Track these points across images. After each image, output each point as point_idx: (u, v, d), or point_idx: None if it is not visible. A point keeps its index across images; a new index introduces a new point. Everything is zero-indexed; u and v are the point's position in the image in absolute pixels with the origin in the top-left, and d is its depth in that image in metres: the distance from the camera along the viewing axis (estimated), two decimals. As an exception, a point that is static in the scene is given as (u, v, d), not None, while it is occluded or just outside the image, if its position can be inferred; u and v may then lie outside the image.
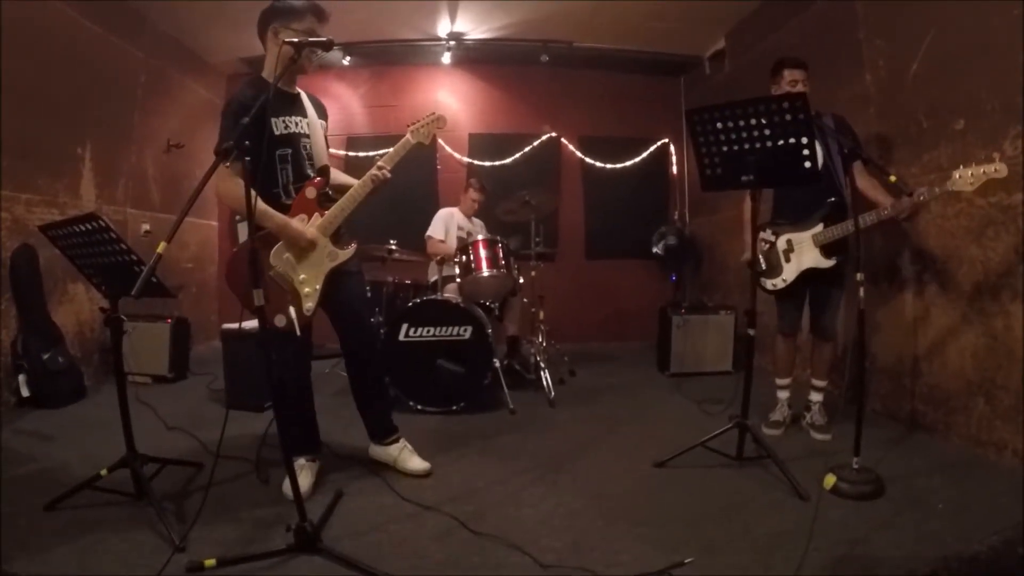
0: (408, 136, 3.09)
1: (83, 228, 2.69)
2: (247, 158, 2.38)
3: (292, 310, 2.83)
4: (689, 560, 2.30)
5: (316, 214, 2.93)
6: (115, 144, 5.62)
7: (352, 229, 3.12)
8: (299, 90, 3.06)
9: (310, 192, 2.93)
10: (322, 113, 3.16)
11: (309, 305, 2.90)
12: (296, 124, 2.96)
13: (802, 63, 3.65)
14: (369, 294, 3.74)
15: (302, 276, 2.90)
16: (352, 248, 3.00)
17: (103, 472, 2.79)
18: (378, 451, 3.36)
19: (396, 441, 3.35)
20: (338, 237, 2.99)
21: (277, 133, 2.87)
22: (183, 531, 2.47)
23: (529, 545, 2.44)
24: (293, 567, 2.28)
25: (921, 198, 3.20)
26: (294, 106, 3.00)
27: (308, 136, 3.01)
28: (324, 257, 2.94)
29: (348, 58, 7.22)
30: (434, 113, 3.14)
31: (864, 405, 3.05)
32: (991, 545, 1.83)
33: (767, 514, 2.75)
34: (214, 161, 2.29)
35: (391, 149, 3.07)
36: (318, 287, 2.91)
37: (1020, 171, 3.10)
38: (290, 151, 2.93)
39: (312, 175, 2.99)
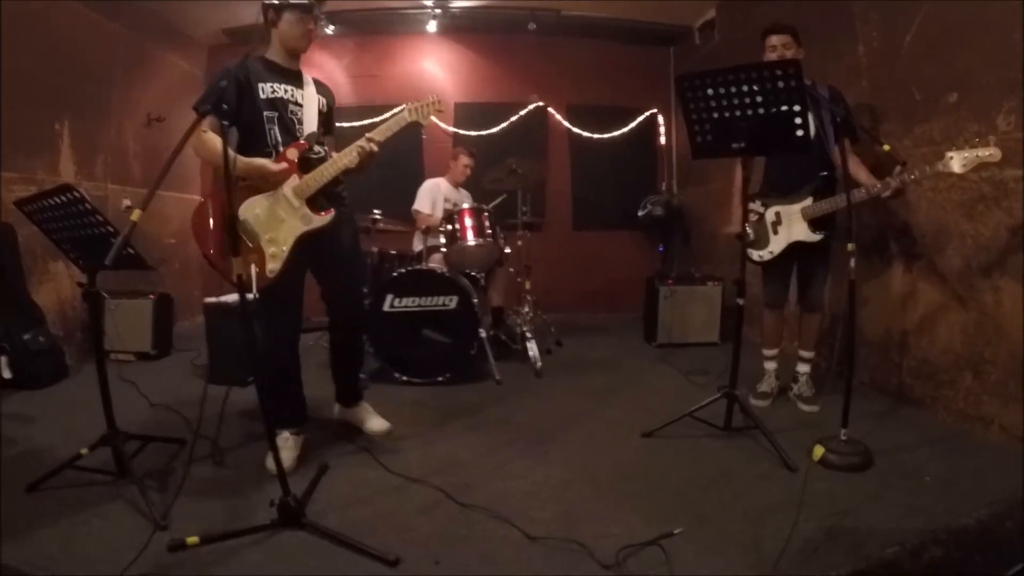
0: (405, 113, 3.09)
1: (58, 200, 2.63)
2: (225, 122, 2.34)
3: (253, 268, 2.76)
4: (679, 531, 2.29)
5: (295, 176, 2.92)
6: (94, 119, 5.52)
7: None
8: (301, 69, 3.13)
9: (292, 152, 2.93)
10: (323, 91, 3.20)
11: (274, 267, 2.86)
12: (285, 91, 3.00)
13: (787, 29, 3.59)
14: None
15: (268, 235, 2.87)
16: (327, 216, 2.97)
17: (83, 451, 2.75)
18: (346, 413, 3.48)
19: (359, 404, 3.47)
20: (316, 202, 2.98)
21: (263, 97, 2.92)
22: (167, 508, 2.44)
23: (517, 517, 2.43)
24: (277, 542, 2.26)
25: (912, 176, 3.16)
26: (287, 77, 3.04)
27: (300, 105, 3.04)
28: (297, 220, 2.92)
29: (332, 27, 7.10)
30: (437, 97, 3.16)
31: (852, 377, 3.04)
32: (979, 518, 1.83)
33: (756, 485, 2.76)
34: (193, 122, 2.25)
35: (384, 121, 3.06)
36: (286, 249, 2.88)
37: (1020, 147, 3.06)
38: (276, 115, 2.95)
39: (300, 139, 3.00)
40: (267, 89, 2.94)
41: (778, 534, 2.26)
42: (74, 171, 5.21)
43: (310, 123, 3.06)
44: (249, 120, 2.86)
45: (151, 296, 5.29)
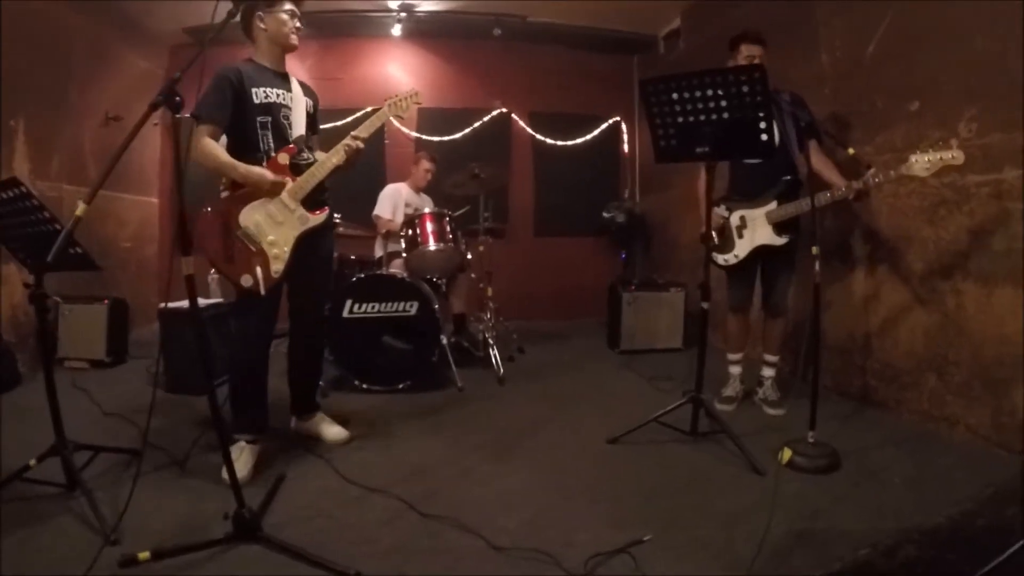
0: (385, 108, 3.20)
1: (3, 196, 2.53)
2: (180, 111, 2.27)
3: (259, 270, 2.86)
4: (648, 537, 2.27)
5: (287, 179, 2.98)
6: (50, 117, 5.33)
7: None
8: (287, 71, 3.17)
9: (282, 158, 2.99)
10: (309, 92, 3.26)
11: (278, 267, 2.95)
12: (277, 95, 3.05)
13: (761, 39, 3.61)
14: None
15: (271, 237, 2.95)
16: (322, 215, 3.07)
17: (31, 463, 2.63)
18: (302, 425, 3.45)
19: (315, 415, 3.45)
20: (310, 203, 3.04)
21: (257, 102, 2.97)
22: (116, 522, 2.33)
23: (482, 527, 2.38)
24: (233, 557, 2.18)
25: (877, 179, 3.18)
26: (277, 80, 3.09)
27: (290, 107, 3.10)
28: (295, 220, 2.99)
29: (294, 29, 7.00)
30: (415, 90, 3.29)
31: (819, 379, 3.05)
32: (951, 517, 1.85)
33: (725, 489, 2.75)
34: (142, 115, 2.16)
35: (367, 119, 3.14)
36: (287, 249, 2.96)
37: (981, 153, 3.10)
38: (269, 119, 3.02)
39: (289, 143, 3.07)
40: (260, 94, 2.98)
41: (749, 538, 2.25)
42: (28, 169, 5.02)
43: (299, 125, 3.12)
44: (241, 126, 2.95)
45: (106, 301, 5.11)
